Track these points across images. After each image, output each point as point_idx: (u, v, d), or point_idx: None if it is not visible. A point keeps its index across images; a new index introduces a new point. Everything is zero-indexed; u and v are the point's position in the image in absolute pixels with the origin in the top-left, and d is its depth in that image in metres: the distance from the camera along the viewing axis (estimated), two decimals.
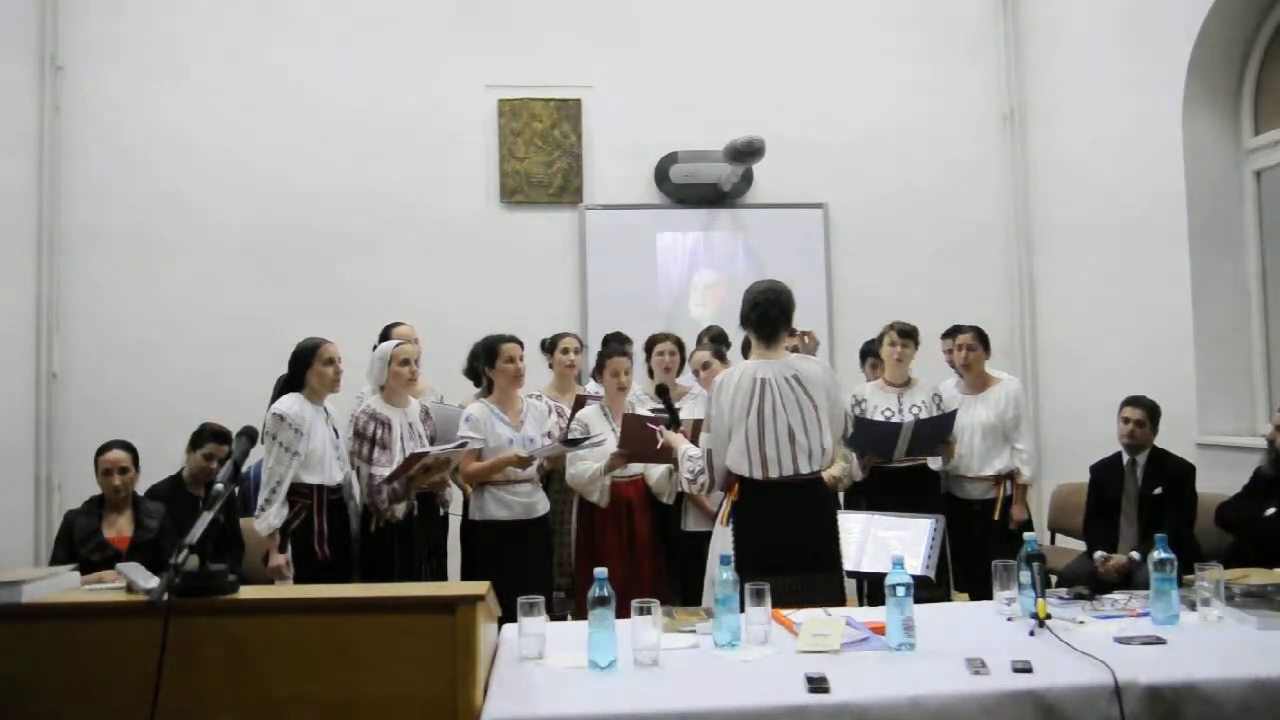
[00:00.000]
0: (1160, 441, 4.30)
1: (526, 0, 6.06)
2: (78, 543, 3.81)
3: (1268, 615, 2.55)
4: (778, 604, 2.59)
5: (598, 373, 4.49)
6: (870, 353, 4.92)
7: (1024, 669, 2.18)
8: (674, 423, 3.69)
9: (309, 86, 5.86)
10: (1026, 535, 2.72)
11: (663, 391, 3.87)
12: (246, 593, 2.25)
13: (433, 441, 4.08)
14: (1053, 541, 5.20)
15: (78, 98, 5.71)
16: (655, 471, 4.11)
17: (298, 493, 3.71)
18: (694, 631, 2.56)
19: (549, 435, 4.11)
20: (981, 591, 3.20)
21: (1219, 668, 2.19)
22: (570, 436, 4.07)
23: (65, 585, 2.32)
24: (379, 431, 3.86)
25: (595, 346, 4.82)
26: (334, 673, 2.12)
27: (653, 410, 3.97)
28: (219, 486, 2.23)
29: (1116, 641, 2.41)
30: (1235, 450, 4.57)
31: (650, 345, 4.61)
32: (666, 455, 3.73)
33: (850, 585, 4.21)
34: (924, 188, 6.19)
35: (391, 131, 5.90)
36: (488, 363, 4.06)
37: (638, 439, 3.85)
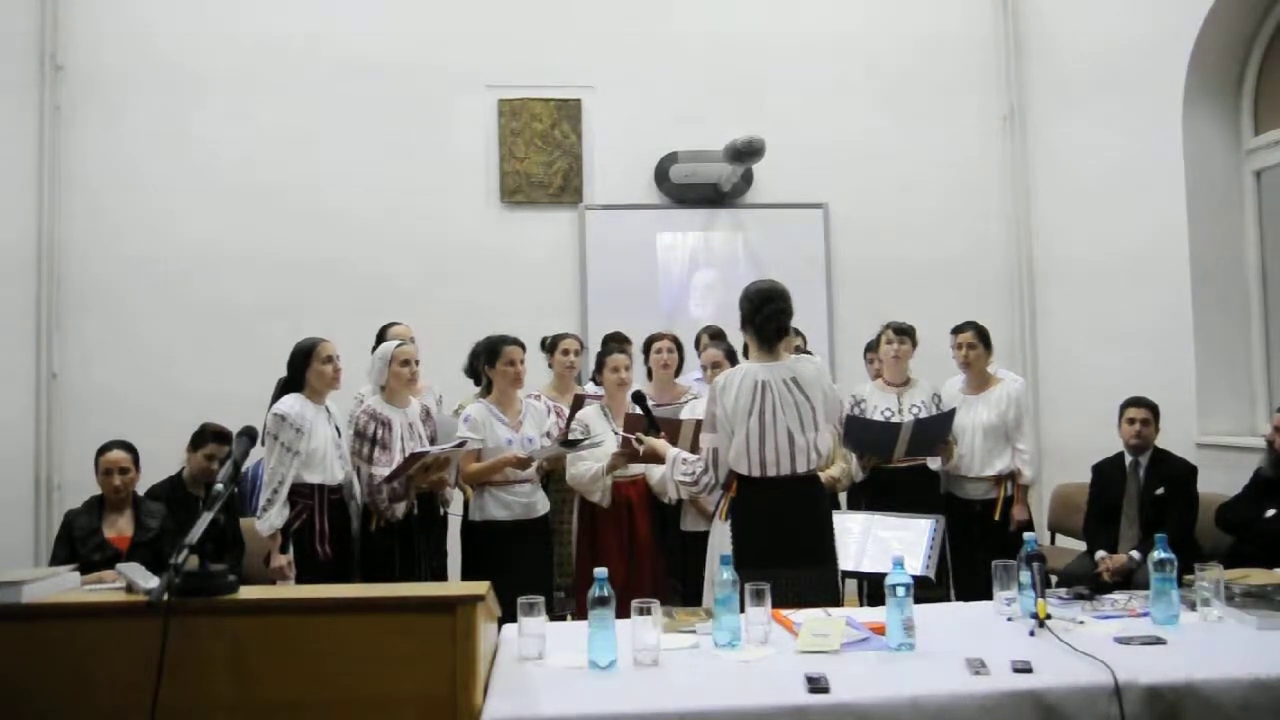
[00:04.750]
0: (1160, 441, 4.30)
1: (526, 0, 6.06)
2: (78, 543, 3.81)
3: (1268, 615, 2.55)
4: (773, 598, 2.59)
5: (598, 373, 4.49)
6: (872, 349, 4.92)
7: (1024, 669, 2.18)
8: (653, 428, 3.68)
9: (309, 87, 5.85)
10: (1026, 535, 2.72)
11: (639, 398, 3.87)
12: (246, 593, 2.25)
13: (433, 441, 4.08)
14: (1053, 541, 5.20)
15: (78, 98, 5.71)
16: (656, 471, 4.10)
17: (299, 493, 3.72)
18: (694, 631, 2.56)
19: (548, 436, 4.11)
20: (981, 593, 3.19)
21: (1219, 668, 2.19)
22: (569, 437, 4.06)
23: (65, 585, 2.32)
24: (379, 431, 3.87)
25: (595, 347, 4.81)
26: (334, 673, 2.12)
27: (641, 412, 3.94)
28: (219, 487, 2.23)
29: (1116, 641, 2.41)
30: (1235, 450, 4.57)
31: (649, 345, 4.61)
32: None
33: (850, 585, 4.22)
34: (924, 188, 6.18)
35: (391, 131, 5.90)
36: (488, 363, 4.06)
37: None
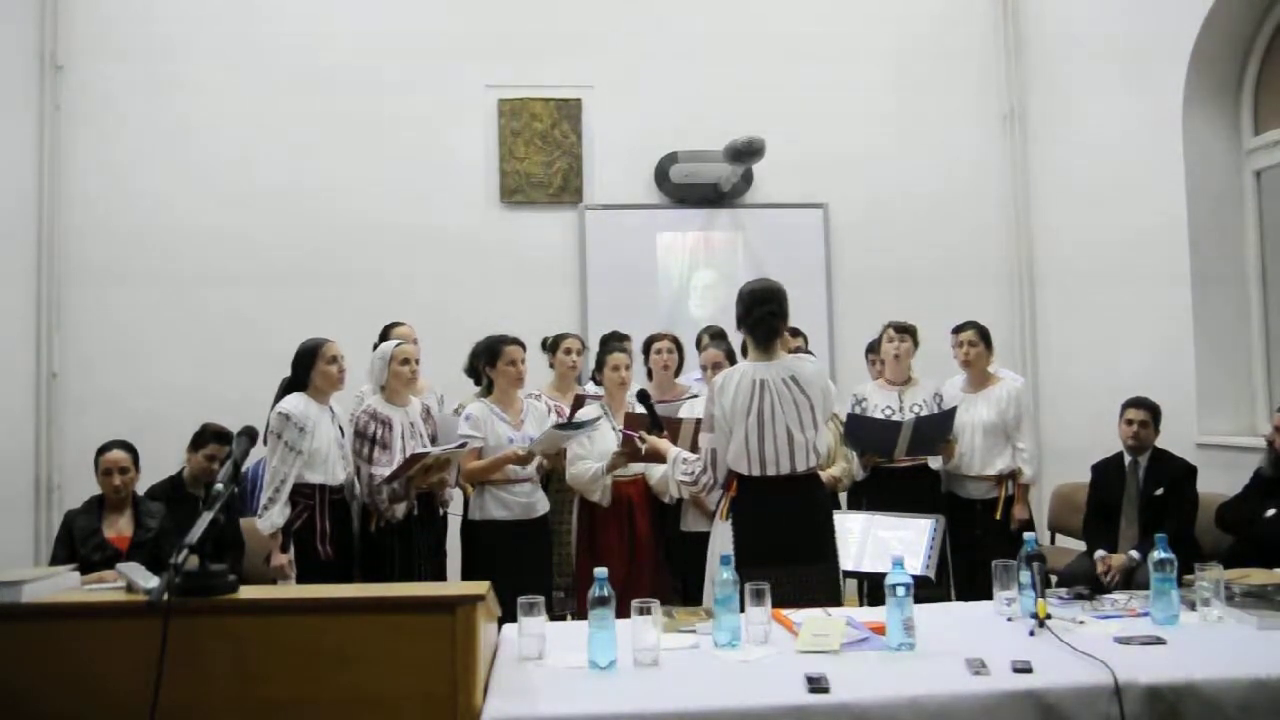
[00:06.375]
0: (1160, 441, 4.30)
1: (526, 0, 6.06)
2: (78, 543, 3.80)
3: (1268, 615, 2.55)
4: (776, 596, 2.59)
5: (598, 372, 4.49)
6: (873, 349, 4.92)
7: (1024, 669, 2.18)
8: (656, 427, 3.68)
9: (309, 86, 5.85)
10: (1026, 535, 2.72)
11: (644, 397, 3.87)
12: (246, 593, 2.26)
13: (433, 441, 4.08)
14: (1053, 541, 5.20)
15: (78, 98, 5.71)
16: (656, 471, 4.10)
17: (300, 492, 3.72)
18: (694, 631, 2.56)
19: None
20: (981, 593, 3.19)
21: (1219, 668, 2.19)
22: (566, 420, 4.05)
23: (65, 585, 2.32)
24: (380, 431, 3.86)
25: (594, 347, 4.81)
26: (334, 673, 2.12)
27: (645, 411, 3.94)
28: (219, 486, 2.23)
29: (1116, 641, 2.41)
30: (1235, 450, 4.57)
31: (649, 345, 4.61)
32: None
33: (850, 585, 4.22)
34: (924, 188, 6.18)
35: (391, 131, 5.90)
36: (489, 363, 4.06)
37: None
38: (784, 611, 2.65)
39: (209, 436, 4.18)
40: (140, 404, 5.38)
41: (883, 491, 4.35)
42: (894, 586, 2.41)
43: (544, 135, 6.05)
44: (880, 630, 2.46)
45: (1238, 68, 4.90)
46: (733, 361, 4.07)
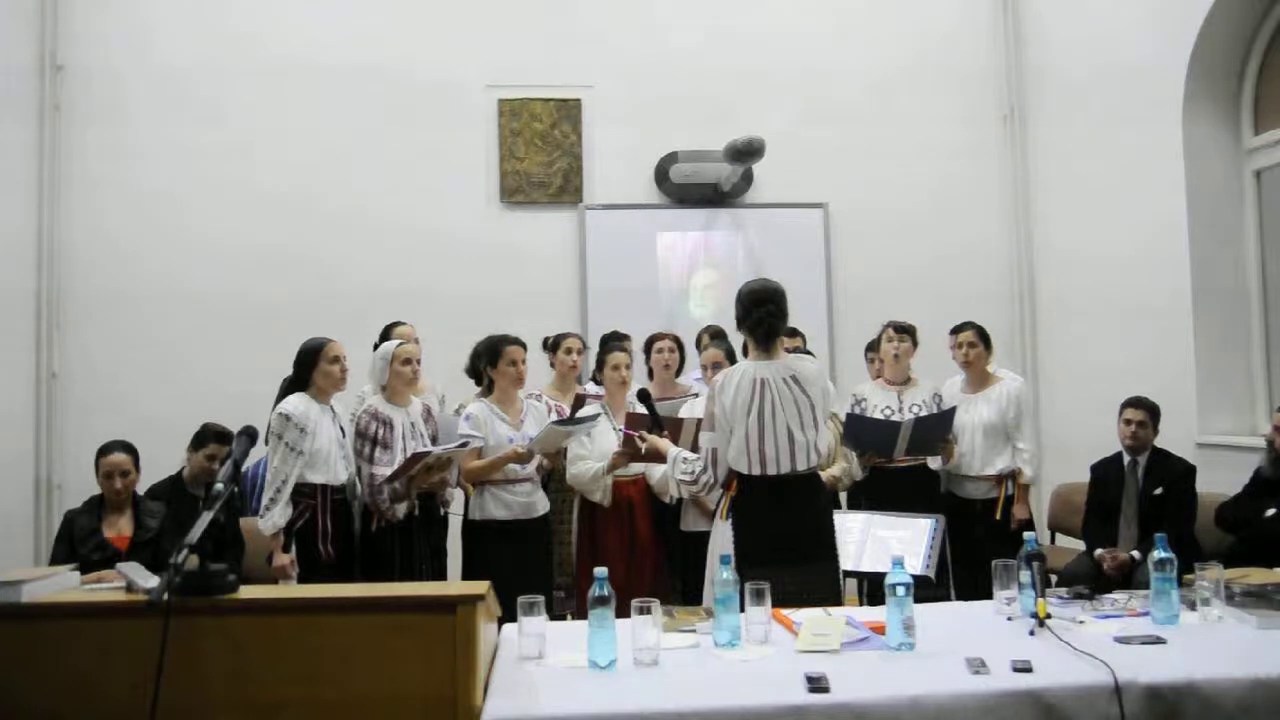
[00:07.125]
0: (1160, 441, 4.30)
1: (526, 0, 6.07)
2: (78, 543, 3.80)
3: (1268, 615, 2.55)
4: (777, 595, 2.59)
5: (598, 371, 4.49)
6: (873, 349, 4.92)
7: (1024, 669, 2.18)
8: (656, 426, 3.68)
9: (310, 86, 5.86)
10: (1026, 535, 2.72)
11: (644, 396, 3.87)
12: (246, 592, 2.25)
13: (434, 441, 4.08)
14: (1053, 541, 5.20)
15: (78, 98, 5.71)
16: (656, 471, 4.10)
17: (302, 492, 3.72)
18: (694, 631, 2.57)
19: None
20: (981, 593, 3.19)
21: (1219, 668, 2.20)
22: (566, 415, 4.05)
23: (65, 585, 2.32)
24: (381, 431, 3.86)
25: (595, 347, 4.81)
26: (334, 673, 2.12)
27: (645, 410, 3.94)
28: (219, 486, 2.23)
29: (1116, 641, 2.41)
30: (1235, 450, 4.57)
31: (649, 344, 4.62)
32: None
33: (850, 585, 4.22)
34: (924, 187, 6.19)
35: (391, 131, 5.90)
36: (490, 363, 4.06)
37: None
38: (784, 611, 2.65)
39: (209, 436, 4.18)
40: (140, 404, 5.38)
41: (883, 491, 4.35)
42: (894, 586, 2.41)
43: (544, 135, 6.06)
44: (880, 630, 2.46)
45: (1238, 68, 4.91)
46: (733, 361, 4.06)
